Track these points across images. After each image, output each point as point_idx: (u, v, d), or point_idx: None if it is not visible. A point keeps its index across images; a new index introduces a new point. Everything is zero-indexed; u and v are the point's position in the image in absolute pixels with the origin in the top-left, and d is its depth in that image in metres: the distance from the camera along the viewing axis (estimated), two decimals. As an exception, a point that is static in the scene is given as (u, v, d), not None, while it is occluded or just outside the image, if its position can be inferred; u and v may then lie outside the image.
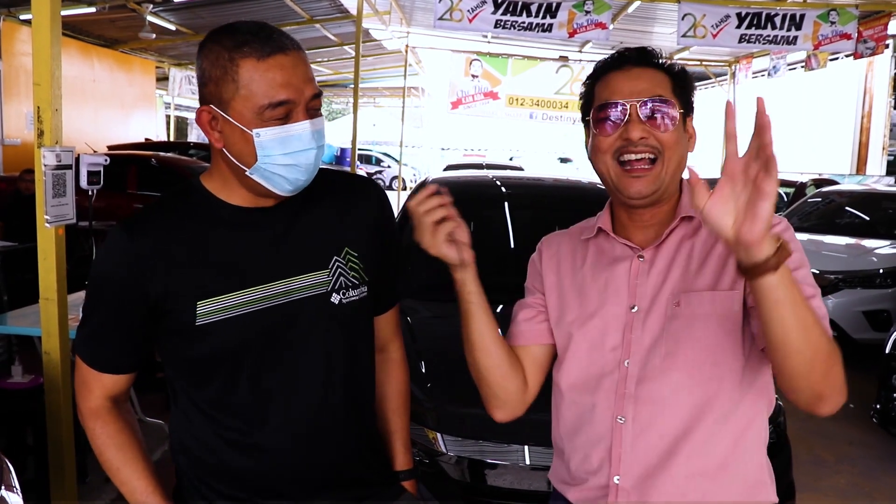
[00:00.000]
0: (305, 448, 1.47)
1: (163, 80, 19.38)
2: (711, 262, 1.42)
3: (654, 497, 1.40)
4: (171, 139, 20.32)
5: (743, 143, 1.15)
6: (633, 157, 1.39)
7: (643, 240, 1.48)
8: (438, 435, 2.66)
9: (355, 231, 1.54)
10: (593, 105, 1.47)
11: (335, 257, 1.49)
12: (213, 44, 1.34)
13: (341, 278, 1.49)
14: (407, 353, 2.96)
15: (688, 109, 1.46)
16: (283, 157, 1.35)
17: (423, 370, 2.96)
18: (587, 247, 1.56)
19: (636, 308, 1.44)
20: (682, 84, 1.46)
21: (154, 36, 13.01)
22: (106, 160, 4.05)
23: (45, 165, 2.97)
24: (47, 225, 3.02)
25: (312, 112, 1.37)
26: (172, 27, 14.56)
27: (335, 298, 1.48)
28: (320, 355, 1.48)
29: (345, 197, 1.56)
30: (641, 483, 1.41)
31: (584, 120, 1.51)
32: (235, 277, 1.40)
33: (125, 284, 1.38)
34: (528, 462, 2.62)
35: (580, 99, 1.54)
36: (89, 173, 3.89)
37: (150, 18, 12.49)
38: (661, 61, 1.47)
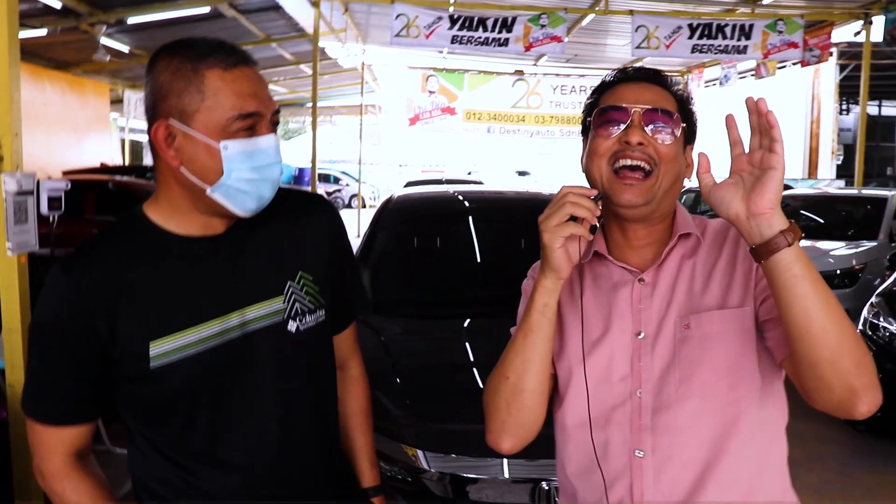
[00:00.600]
0: (271, 481, 1.41)
1: (117, 102, 19.09)
2: (716, 280, 1.37)
3: None
4: (127, 162, 20.03)
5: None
6: (628, 162, 1.32)
7: (641, 262, 1.41)
8: (419, 451, 2.64)
9: (309, 253, 1.49)
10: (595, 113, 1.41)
11: (289, 283, 1.44)
12: (172, 56, 1.30)
13: (297, 304, 1.44)
14: (382, 370, 2.97)
15: (690, 136, 1.42)
16: (249, 172, 1.29)
17: (400, 386, 2.95)
18: (581, 272, 1.44)
19: (643, 334, 1.37)
20: (687, 110, 1.42)
21: (108, 58, 12.81)
22: (67, 185, 3.96)
23: (6, 192, 2.90)
24: (9, 253, 2.95)
25: (274, 127, 1.35)
26: (126, 49, 14.33)
27: (292, 326, 1.43)
28: (281, 387, 1.42)
29: (295, 217, 1.50)
30: None
31: (583, 127, 1.45)
32: (188, 313, 1.33)
33: (71, 327, 1.30)
34: (507, 475, 2.61)
35: (583, 112, 1.47)
36: (50, 199, 3.80)
37: (103, 41, 12.29)
38: (672, 84, 1.43)
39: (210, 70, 1.27)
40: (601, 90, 1.45)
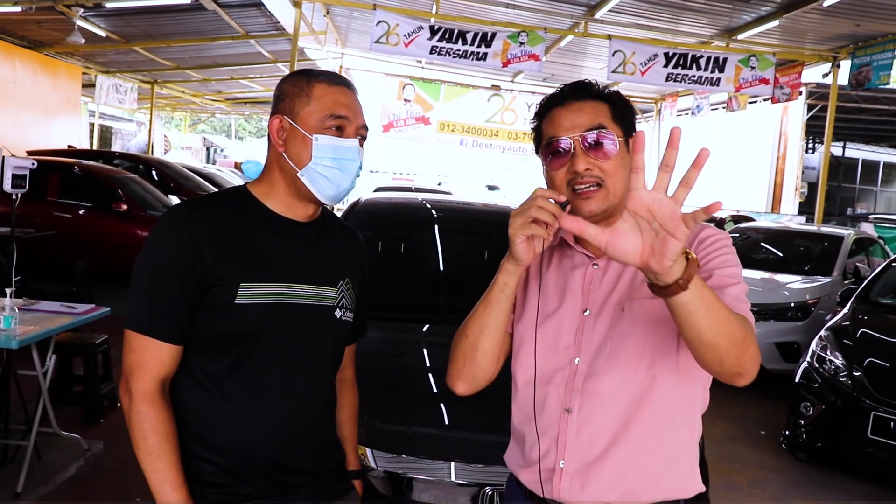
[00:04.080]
0: (285, 434, 1.69)
1: (89, 86, 18.84)
2: None
3: (593, 482, 1.57)
4: (95, 147, 19.75)
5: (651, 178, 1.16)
6: (582, 186, 1.52)
7: (600, 251, 1.51)
8: (368, 450, 2.67)
9: (351, 268, 1.85)
10: (542, 142, 1.61)
11: (340, 281, 1.79)
12: (292, 76, 1.72)
13: (343, 299, 1.79)
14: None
15: (630, 133, 1.59)
16: (331, 162, 1.65)
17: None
18: (552, 253, 1.71)
19: (588, 311, 1.60)
20: (622, 110, 1.59)
21: (83, 41, 12.67)
22: (33, 164, 3.90)
23: (-32, 165, 2.88)
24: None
25: (360, 139, 1.71)
26: (102, 33, 14.17)
27: (338, 314, 1.77)
28: (317, 359, 1.75)
29: (345, 239, 1.89)
30: (584, 469, 1.57)
31: (537, 154, 1.65)
32: (273, 271, 1.66)
33: (186, 259, 1.59)
34: (454, 478, 2.65)
35: (532, 134, 1.67)
36: (14, 176, 3.75)
37: (79, 23, 12.15)
38: (599, 90, 1.60)
39: (319, 83, 1.68)
40: (541, 114, 1.64)
